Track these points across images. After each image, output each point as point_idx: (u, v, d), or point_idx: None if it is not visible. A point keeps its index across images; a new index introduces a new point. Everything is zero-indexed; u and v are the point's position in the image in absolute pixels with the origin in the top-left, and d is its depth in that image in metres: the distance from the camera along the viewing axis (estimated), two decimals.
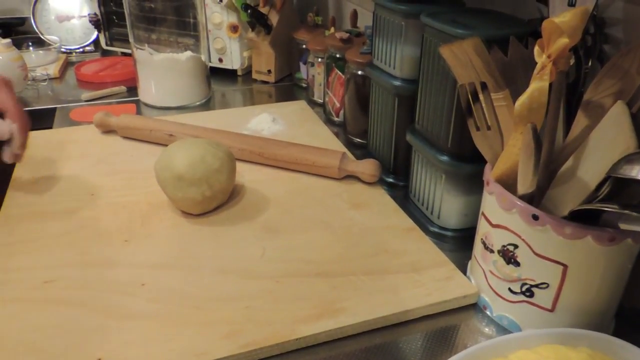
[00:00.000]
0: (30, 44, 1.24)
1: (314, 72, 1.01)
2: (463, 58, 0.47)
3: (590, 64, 0.50)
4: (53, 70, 1.13)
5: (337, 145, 0.83)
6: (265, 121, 0.90)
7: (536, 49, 0.44)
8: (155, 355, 0.45)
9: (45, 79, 1.10)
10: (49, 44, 1.22)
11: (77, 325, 0.48)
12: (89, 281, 0.54)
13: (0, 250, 0.58)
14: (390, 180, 0.75)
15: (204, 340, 0.47)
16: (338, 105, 0.92)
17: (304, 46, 1.06)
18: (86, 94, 1.02)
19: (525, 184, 0.42)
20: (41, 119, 1.00)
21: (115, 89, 1.06)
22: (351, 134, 0.87)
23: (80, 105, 1.00)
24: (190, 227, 0.63)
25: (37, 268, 0.56)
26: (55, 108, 0.98)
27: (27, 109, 1.01)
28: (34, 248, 0.59)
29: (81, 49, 1.31)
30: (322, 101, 1.01)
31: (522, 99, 0.41)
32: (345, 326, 0.49)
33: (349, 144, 0.86)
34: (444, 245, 0.62)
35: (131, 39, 0.97)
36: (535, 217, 0.43)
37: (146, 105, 1.01)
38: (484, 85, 0.46)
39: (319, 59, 0.98)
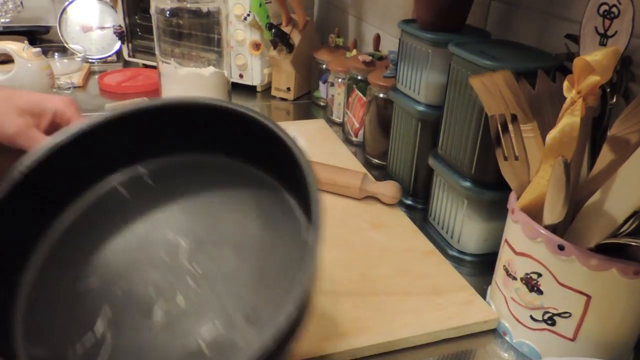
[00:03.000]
0: (55, 52, 1.27)
1: (333, 92, 1.03)
2: (493, 89, 0.49)
3: (615, 99, 0.52)
4: (77, 79, 1.15)
5: (356, 165, 0.85)
6: None
7: (566, 84, 0.45)
8: None
9: (70, 87, 1.12)
10: (73, 53, 1.25)
11: None
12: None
13: None
14: (409, 202, 0.76)
15: None
16: (357, 125, 0.94)
17: (324, 66, 1.08)
18: (110, 104, 1.04)
19: (554, 214, 0.43)
20: None
21: (138, 100, 1.08)
22: (370, 155, 0.89)
23: None
24: None
25: None
26: None
27: None
28: None
29: (104, 59, 1.33)
30: (340, 120, 1.03)
31: (554, 133, 0.42)
32: (368, 345, 0.50)
33: (368, 165, 0.88)
34: (462, 269, 0.63)
35: (157, 52, 1.00)
36: (561, 248, 0.44)
37: None
38: (513, 117, 0.48)
39: (340, 80, 1.00)
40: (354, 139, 0.96)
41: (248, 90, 1.19)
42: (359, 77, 0.91)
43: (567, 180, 0.40)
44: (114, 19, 1.31)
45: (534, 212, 0.48)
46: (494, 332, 0.55)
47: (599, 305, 0.45)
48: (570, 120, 0.42)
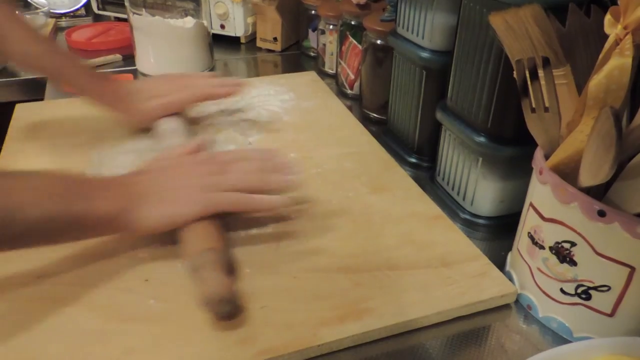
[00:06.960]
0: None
1: (324, 41, 0.95)
2: (519, 29, 0.41)
3: None
4: None
5: (352, 121, 0.77)
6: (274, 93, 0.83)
7: (608, 18, 0.38)
8: None
9: None
10: (37, 8, 1.14)
11: (74, 328, 0.43)
12: (86, 276, 0.48)
13: None
14: (413, 160, 0.69)
15: (216, 346, 0.42)
16: (352, 77, 0.86)
17: (313, 12, 0.99)
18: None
19: (599, 175, 0.36)
20: (31, 90, 0.93)
21: (110, 57, 0.98)
22: (367, 109, 0.81)
23: None
24: None
25: (28, 260, 0.49)
26: (45, 78, 0.90)
27: (15, 78, 0.94)
28: None
29: (71, 13, 1.23)
30: (333, 72, 0.95)
31: (599, 78, 0.35)
32: (372, 330, 0.44)
33: (365, 119, 0.80)
34: (475, 234, 0.57)
35: (127, 3, 0.89)
36: (601, 213, 0.38)
37: (144, 75, 0.94)
38: (545, 61, 0.40)
39: (331, 27, 0.91)
40: (349, 91, 0.88)
41: (231, 42, 1.09)
42: (353, 23, 0.82)
43: (618, 134, 0.32)
44: None
45: (566, 172, 0.41)
46: (514, 305, 0.49)
47: None
48: (619, 62, 0.34)
